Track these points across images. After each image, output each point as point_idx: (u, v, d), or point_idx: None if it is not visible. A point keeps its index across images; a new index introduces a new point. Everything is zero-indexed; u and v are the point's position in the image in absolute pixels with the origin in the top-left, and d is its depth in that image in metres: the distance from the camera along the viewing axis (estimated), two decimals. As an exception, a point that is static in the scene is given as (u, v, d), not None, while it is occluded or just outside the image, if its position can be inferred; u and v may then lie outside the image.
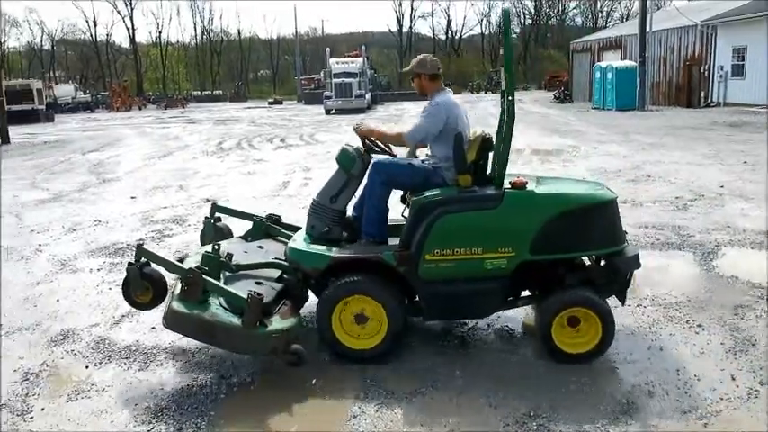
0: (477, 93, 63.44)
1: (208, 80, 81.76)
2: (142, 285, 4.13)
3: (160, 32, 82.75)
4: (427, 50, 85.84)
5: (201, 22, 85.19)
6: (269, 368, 3.97)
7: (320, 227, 4.26)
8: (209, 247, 4.23)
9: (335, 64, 38.84)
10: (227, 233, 5.11)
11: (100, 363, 4.14)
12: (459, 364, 3.98)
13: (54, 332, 4.69)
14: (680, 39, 30.82)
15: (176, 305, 3.74)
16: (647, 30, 28.59)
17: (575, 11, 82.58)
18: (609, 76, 28.95)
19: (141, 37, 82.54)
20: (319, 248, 4.12)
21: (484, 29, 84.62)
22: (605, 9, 78.53)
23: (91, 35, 78.34)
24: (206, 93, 72.84)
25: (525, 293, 4.34)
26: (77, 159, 16.83)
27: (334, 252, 4.05)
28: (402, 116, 30.94)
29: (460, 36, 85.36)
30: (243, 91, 73.17)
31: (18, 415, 3.53)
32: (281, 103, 53.92)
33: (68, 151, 19.15)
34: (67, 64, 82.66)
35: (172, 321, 3.75)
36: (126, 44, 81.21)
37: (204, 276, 3.79)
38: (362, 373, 3.86)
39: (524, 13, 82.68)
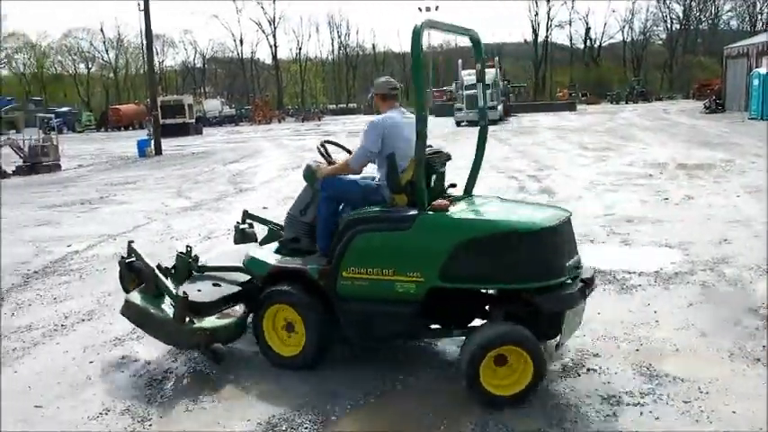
0: (617, 103, 60.65)
1: (343, 93, 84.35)
2: (130, 276, 4.71)
3: (300, 49, 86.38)
4: (564, 60, 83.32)
5: (339, 37, 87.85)
6: (384, 391, 3.79)
7: (290, 237, 4.47)
8: (183, 249, 4.82)
9: (467, 75, 38.47)
10: (251, 237, 5.58)
11: (220, 373, 4.14)
12: (592, 401, 3.59)
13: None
14: None
15: (132, 296, 4.24)
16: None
17: (729, 14, 76.68)
18: (770, 83, 26.48)
19: (283, 54, 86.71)
20: (267, 256, 4.33)
21: (625, 36, 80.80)
22: (766, 10, 72.21)
23: (238, 53, 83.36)
24: (341, 106, 75.07)
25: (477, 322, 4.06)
26: (219, 170, 17.74)
27: (274, 261, 4.24)
28: (535, 127, 30.07)
29: (600, 44, 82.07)
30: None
31: (138, 421, 3.58)
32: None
33: (212, 162, 20.28)
34: (216, 80, 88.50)
35: (124, 309, 4.23)
36: (269, 61, 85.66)
37: (156, 273, 4.27)
38: (483, 407, 3.55)
39: (671, 18, 78.16)
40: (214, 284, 4.44)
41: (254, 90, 79.61)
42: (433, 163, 4.10)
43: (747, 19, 73.38)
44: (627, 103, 59.91)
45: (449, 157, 4.27)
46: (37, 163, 20.18)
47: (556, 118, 38.21)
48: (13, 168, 19.77)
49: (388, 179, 3.93)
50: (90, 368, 4.27)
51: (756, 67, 31.38)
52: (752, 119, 27.31)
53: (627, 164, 14.35)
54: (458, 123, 35.20)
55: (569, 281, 3.67)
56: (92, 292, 5.99)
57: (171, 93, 66.07)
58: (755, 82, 27.87)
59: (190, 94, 57.77)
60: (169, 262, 4.80)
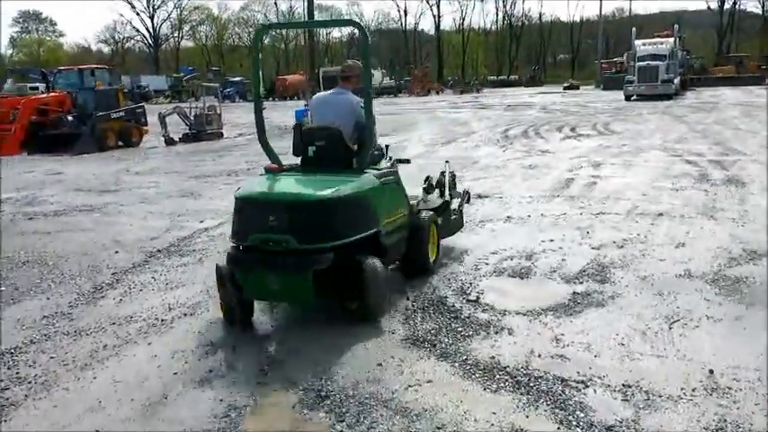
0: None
1: (505, 65, 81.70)
2: None
3: (463, 19, 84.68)
4: (754, 28, 74.82)
5: (504, 6, 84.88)
6: None
7: None
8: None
9: (641, 45, 35.29)
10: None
11: (312, 405, 3.44)
12: None
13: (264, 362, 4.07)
14: None
15: None
16: None
17: None
18: None
19: (446, 24, 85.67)
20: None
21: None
22: None
23: (401, 24, 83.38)
24: (501, 77, 72.71)
25: None
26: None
27: None
28: (718, 103, 26.79)
29: (803, 10, 72.33)
30: (539, 75, 71.51)
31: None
32: (578, 89, 51.35)
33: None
34: (380, 52, 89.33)
35: None
36: (432, 32, 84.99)
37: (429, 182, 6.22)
38: None
39: None
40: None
41: (416, 62, 79.33)
42: (312, 136, 4.90)
43: None
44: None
45: (333, 132, 4.80)
46: (201, 131, 20.93)
47: (742, 93, 33.99)
48: (180, 136, 20.62)
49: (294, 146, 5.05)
50: (171, 382, 3.71)
51: None
52: None
53: (839, 150, 11.96)
54: (627, 98, 32.37)
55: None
56: (204, 280, 5.56)
57: (337, 64, 67.60)
58: None
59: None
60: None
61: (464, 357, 3.91)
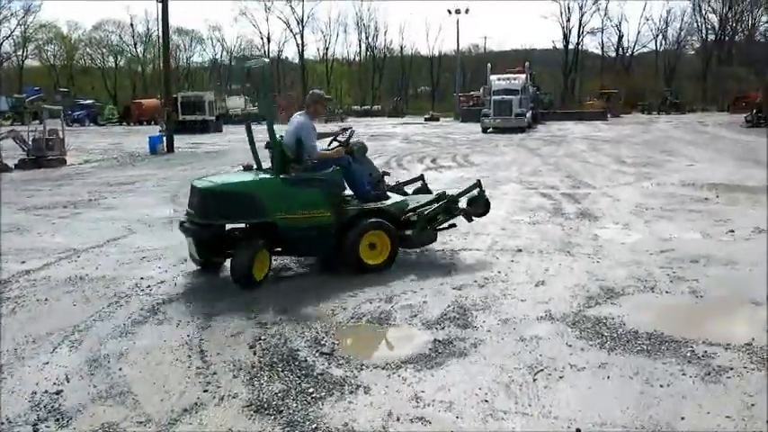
0: (650, 113, 58.68)
1: (368, 95, 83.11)
2: None
3: (327, 49, 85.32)
4: (595, 68, 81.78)
5: (366, 38, 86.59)
6: None
7: None
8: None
9: (496, 80, 37.10)
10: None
11: None
12: None
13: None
14: None
15: None
16: None
17: (766, 24, 74.28)
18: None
19: (310, 53, 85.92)
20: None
21: (659, 45, 78.86)
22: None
23: (264, 52, 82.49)
24: (365, 107, 73.86)
25: None
26: (228, 171, 16.49)
27: None
28: (566, 137, 28.51)
29: (632, 53, 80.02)
30: (401, 107, 73.40)
31: None
32: (438, 120, 53.17)
33: (222, 162, 19.03)
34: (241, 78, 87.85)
35: None
36: (296, 60, 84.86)
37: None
38: None
39: (707, 28, 75.96)
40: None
41: (280, 90, 78.75)
42: (269, 147, 6.45)
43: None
44: (659, 113, 57.98)
45: (277, 144, 6.29)
46: (41, 157, 19.10)
47: (586, 127, 36.59)
48: (17, 162, 18.68)
49: None
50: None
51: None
52: (802, 136, 25.45)
53: (675, 183, 12.81)
54: (484, 130, 33.77)
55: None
56: (14, 336, 4.68)
57: (197, 89, 65.31)
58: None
59: (213, 91, 56.80)
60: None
61: (314, 426, 3.44)
